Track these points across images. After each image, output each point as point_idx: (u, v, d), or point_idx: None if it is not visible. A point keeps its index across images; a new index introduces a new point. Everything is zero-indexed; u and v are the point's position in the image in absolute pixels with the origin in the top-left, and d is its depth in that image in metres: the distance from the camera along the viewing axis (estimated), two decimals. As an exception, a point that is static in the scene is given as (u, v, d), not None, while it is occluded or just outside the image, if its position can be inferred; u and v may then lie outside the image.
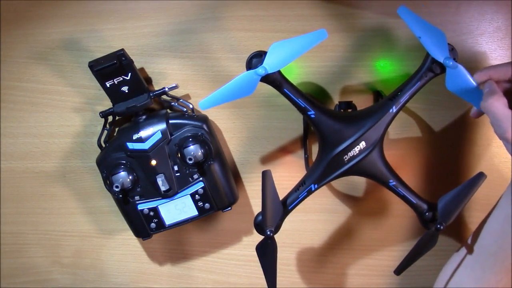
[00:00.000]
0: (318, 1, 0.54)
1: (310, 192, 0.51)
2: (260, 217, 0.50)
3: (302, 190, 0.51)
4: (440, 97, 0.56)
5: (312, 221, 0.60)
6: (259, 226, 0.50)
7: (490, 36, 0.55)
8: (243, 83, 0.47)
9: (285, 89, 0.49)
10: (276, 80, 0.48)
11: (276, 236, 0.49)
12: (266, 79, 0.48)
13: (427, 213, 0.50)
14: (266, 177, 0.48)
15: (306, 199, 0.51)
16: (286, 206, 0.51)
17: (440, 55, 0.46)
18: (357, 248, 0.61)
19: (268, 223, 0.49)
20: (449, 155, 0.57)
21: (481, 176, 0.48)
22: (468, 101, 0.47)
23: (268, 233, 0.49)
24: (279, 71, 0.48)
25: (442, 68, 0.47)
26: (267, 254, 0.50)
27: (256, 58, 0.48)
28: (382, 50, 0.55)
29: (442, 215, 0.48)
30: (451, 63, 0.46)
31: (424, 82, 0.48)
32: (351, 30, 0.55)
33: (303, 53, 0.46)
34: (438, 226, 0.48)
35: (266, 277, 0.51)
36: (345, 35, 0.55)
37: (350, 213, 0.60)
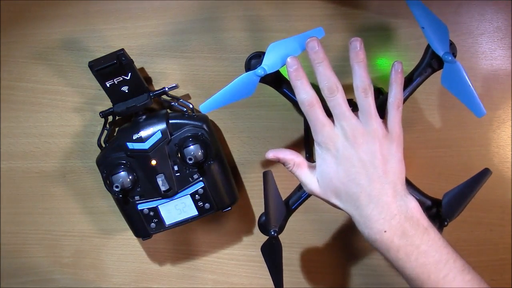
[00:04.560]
0: (318, 1, 0.54)
1: None
2: (264, 218, 0.50)
3: (304, 190, 0.51)
4: (440, 97, 0.56)
5: (312, 221, 0.60)
6: (263, 226, 0.50)
7: (490, 36, 0.55)
8: (243, 84, 0.47)
9: (284, 89, 0.49)
10: (275, 80, 0.48)
11: (277, 236, 0.50)
12: (265, 79, 0.48)
13: (431, 209, 0.50)
14: (267, 177, 0.48)
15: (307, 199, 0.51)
16: (289, 206, 0.51)
17: (440, 49, 0.46)
18: (357, 248, 0.61)
19: (271, 223, 0.49)
20: (448, 155, 0.57)
21: (486, 172, 0.49)
22: (459, 99, 0.47)
23: (272, 233, 0.49)
24: (278, 71, 0.48)
25: (441, 64, 0.47)
26: (272, 254, 0.50)
27: (255, 59, 0.48)
28: (382, 50, 0.55)
29: (446, 211, 0.49)
30: (449, 58, 0.46)
31: (423, 78, 0.48)
32: (351, 30, 0.55)
33: (301, 52, 0.46)
34: (443, 222, 0.48)
35: (272, 277, 0.51)
36: (345, 35, 0.55)
37: (350, 213, 0.60)
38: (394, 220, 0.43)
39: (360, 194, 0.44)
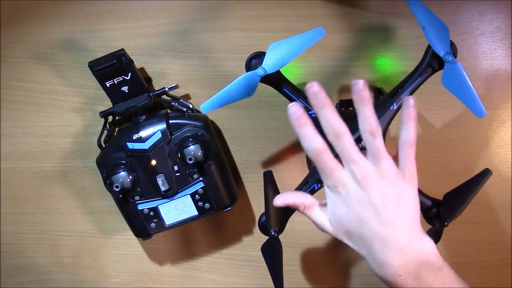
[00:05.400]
0: (318, 1, 0.54)
1: (313, 192, 0.51)
2: (264, 218, 0.50)
3: (305, 190, 0.51)
4: (440, 98, 0.56)
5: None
6: (263, 226, 0.50)
7: (490, 36, 0.55)
8: (243, 84, 0.47)
9: (285, 89, 0.49)
10: (275, 80, 0.48)
11: (277, 236, 0.50)
12: (266, 79, 0.48)
13: (431, 210, 0.50)
14: (267, 177, 0.48)
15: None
16: (289, 206, 0.51)
17: (440, 49, 0.46)
18: (357, 248, 0.61)
19: (272, 223, 0.49)
20: (448, 155, 0.57)
21: (487, 172, 0.49)
22: (460, 100, 0.47)
23: (273, 233, 0.49)
24: (278, 71, 0.48)
25: (441, 64, 0.47)
26: (272, 254, 0.50)
27: (255, 59, 0.48)
28: (382, 49, 0.55)
29: (446, 212, 0.49)
30: (450, 58, 0.46)
31: (424, 78, 0.48)
32: (351, 30, 0.55)
33: (302, 52, 0.46)
34: (443, 222, 0.48)
35: (272, 277, 0.51)
36: (345, 35, 0.55)
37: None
38: (409, 266, 0.42)
39: (373, 238, 0.42)
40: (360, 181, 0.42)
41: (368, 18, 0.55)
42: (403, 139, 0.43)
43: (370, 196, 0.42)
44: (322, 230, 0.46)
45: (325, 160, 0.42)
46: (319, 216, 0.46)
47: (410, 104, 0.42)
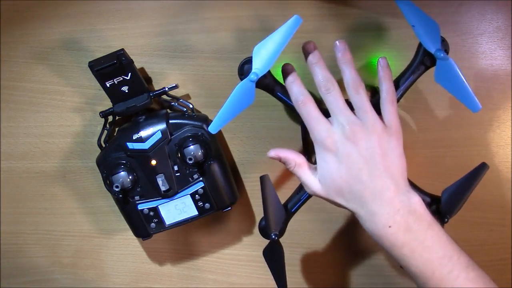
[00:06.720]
0: (318, 1, 0.54)
1: (310, 196, 0.51)
2: (264, 222, 0.50)
3: (304, 192, 0.51)
4: (439, 97, 0.56)
5: (312, 221, 0.60)
6: (263, 230, 0.50)
7: (490, 36, 0.55)
8: (241, 93, 0.46)
9: (278, 93, 0.49)
10: (269, 85, 0.48)
11: (276, 236, 0.50)
12: (260, 84, 0.47)
13: (431, 206, 0.50)
14: (264, 182, 0.48)
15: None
16: (288, 209, 0.51)
17: (431, 46, 0.46)
18: (357, 248, 0.61)
19: (272, 227, 0.49)
20: (448, 155, 0.57)
21: (483, 166, 0.49)
22: (454, 96, 0.47)
23: (273, 237, 0.49)
24: (271, 75, 0.48)
25: (433, 61, 0.47)
26: (274, 258, 0.50)
27: (247, 64, 0.48)
28: (378, 50, 0.55)
29: (446, 208, 0.49)
30: (442, 55, 0.46)
31: (416, 76, 0.48)
32: (347, 30, 0.55)
33: (286, 45, 0.45)
34: (444, 218, 0.48)
35: (276, 280, 0.51)
36: (344, 35, 0.55)
37: (350, 213, 0.60)
38: (398, 215, 0.43)
39: (363, 191, 0.44)
40: (348, 134, 0.44)
41: (367, 18, 0.55)
42: (384, 97, 0.46)
43: (359, 149, 0.44)
44: (312, 192, 0.48)
45: (311, 111, 0.46)
46: (308, 177, 0.48)
47: (383, 65, 0.47)
